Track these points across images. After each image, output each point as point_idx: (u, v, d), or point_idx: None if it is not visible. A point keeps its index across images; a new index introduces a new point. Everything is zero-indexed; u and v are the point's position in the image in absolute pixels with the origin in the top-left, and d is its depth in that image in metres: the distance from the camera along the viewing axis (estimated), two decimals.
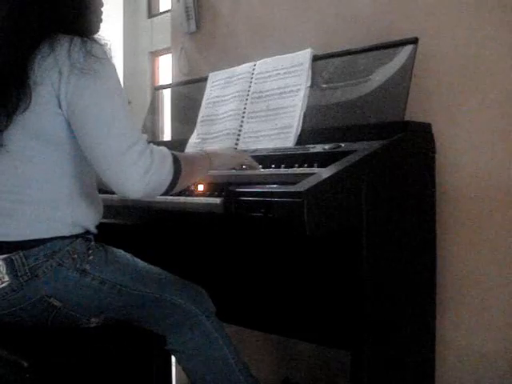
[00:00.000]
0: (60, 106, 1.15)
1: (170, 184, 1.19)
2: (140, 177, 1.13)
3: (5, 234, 1.18)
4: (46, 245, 1.17)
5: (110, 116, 1.14)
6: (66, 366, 1.21)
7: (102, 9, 1.31)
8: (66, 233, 1.20)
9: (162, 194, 1.20)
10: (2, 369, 1.16)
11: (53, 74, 1.13)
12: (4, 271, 1.16)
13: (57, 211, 1.20)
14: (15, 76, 1.14)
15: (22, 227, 1.18)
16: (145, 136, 1.35)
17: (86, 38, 1.17)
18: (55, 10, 1.19)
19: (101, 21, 1.31)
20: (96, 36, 1.23)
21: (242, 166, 1.43)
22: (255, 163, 1.45)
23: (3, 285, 1.16)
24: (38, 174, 1.19)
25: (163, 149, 1.21)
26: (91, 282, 1.21)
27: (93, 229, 1.28)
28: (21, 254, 1.16)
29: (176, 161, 1.20)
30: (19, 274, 1.16)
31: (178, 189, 1.23)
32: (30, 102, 1.13)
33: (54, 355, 1.20)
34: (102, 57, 1.16)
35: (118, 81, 1.21)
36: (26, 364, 1.13)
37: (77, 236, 1.22)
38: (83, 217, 1.25)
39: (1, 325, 1.22)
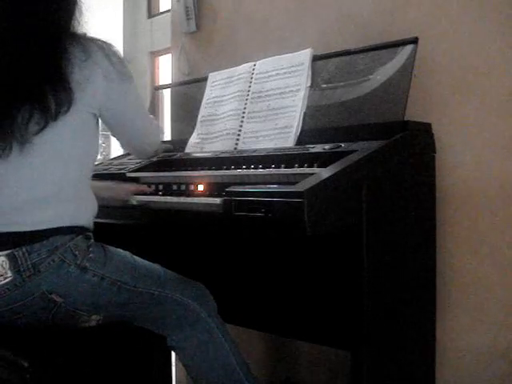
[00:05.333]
0: (97, 106, 1.27)
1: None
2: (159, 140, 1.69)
3: (10, 224, 1.19)
4: (48, 240, 1.18)
5: (142, 107, 1.51)
6: (66, 365, 1.21)
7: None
8: (68, 223, 1.22)
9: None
10: (2, 369, 1.16)
11: (96, 78, 1.23)
12: (7, 267, 1.16)
13: (60, 201, 1.23)
14: (52, 79, 1.19)
15: (27, 218, 1.20)
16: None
17: (106, 41, 1.29)
18: (65, 11, 1.26)
19: None
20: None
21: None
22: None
23: (6, 280, 1.17)
24: (41, 167, 1.22)
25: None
26: (91, 278, 1.22)
27: (91, 223, 1.30)
28: (23, 249, 1.17)
29: None
30: (22, 270, 1.16)
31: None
32: (70, 106, 1.19)
33: (54, 355, 1.20)
34: (125, 59, 1.35)
35: None
36: (25, 364, 1.13)
37: (78, 232, 1.23)
38: (83, 207, 1.28)
39: (1, 324, 1.22)
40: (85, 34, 1.28)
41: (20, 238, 1.18)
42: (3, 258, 1.17)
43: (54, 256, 1.18)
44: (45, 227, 1.19)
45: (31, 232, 1.18)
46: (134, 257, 1.34)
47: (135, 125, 1.46)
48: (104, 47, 1.28)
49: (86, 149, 1.29)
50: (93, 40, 1.27)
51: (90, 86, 1.23)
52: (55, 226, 1.20)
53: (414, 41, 1.45)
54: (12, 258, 1.16)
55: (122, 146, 1.58)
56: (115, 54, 1.29)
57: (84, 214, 1.27)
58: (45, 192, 1.21)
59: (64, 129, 1.21)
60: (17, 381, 1.14)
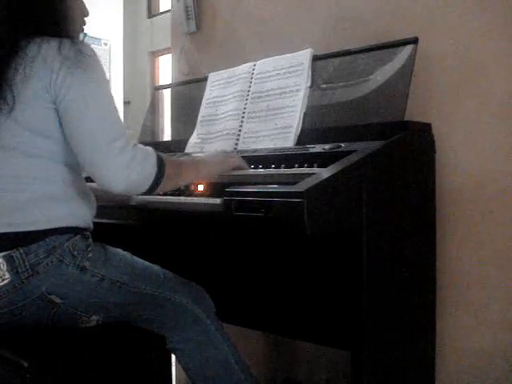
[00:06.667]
0: (51, 101, 1.18)
1: (153, 182, 1.22)
2: (121, 170, 1.17)
3: (4, 225, 1.18)
4: (45, 240, 1.18)
5: (96, 111, 1.19)
6: (66, 365, 1.21)
7: (81, 12, 1.36)
8: (64, 224, 1.21)
9: (145, 193, 1.23)
10: (2, 369, 1.16)
11: (43, 71, 1.17)
12: (4, 268, 1.16)
13: (54, 202, 1.21)
14: None
15: (22, 219, 1.19)
16: (129, 132, 1.41)
17: (75, 40, 1.22)
18: (35, 12, 1.23)
19: (83, 24, 1.38)
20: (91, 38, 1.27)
21: (231, 169, 1.44)
22: (244, 164, 1.46)
23: (4, 282, 1.16)
24: (34, 167, 1.20)
25: (148, 148, 1.24)
26: (91, 278, 1.22)
27: (90, 223, 1.29)
28: (21, 250, 1.16)
29: (160, 161, 1.23)
30: (20, 271, 1.16)
31: (161, 189, 1.26)
32: (13, 100, 1.17)
33: (54, 355, 1.20)
34: (90, 54, 1.21)
35: (106, 78, 1.26)
36: (25, 364, 1.13)
37: (75, 232, 1.23)
38: (79, 208, 1.26)
39: (1, 324, 1.22)
40: (83, 34, 1.28)
41: (16, 238, 1.17)
42: (1, 260, 1.16)
43: (51, 257, 1.17)
44: (40, 228, 1.18)
45: (27, 232, 1.18)
46: (134, 257, 1.33)
47: (85, 124, 1.18)
48: (62, 42, 1.19)
49: (68, 147, 1.22)
50: (61, 39, 1.20)
51: (35, 82, 1.17)
52: (50, 226, 1.19)
53: (414, 41, 1.45)
54: (9, 260, 1.16)
55: (77, 156, 1.24)
56: (71, 48, 1.18)
57: (80, 214, 1.26)
58: (35, 192, 1.20)
59: (24, 127, 1.19)
60: (17, 381, 1.14)
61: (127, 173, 1.17)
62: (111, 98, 1.24)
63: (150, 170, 1.20)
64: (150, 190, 1.23)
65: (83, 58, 1.18)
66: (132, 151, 1.18)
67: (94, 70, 1.21)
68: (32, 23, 1.22)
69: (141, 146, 1.23)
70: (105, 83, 1.24)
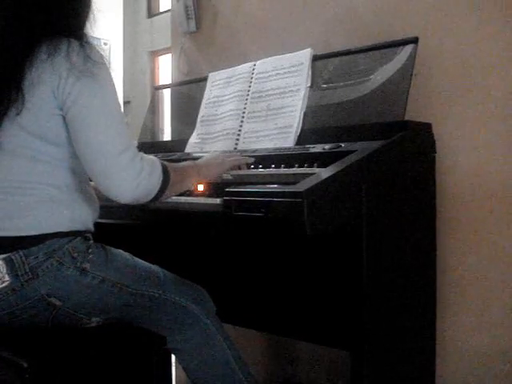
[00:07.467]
0: (58, 107, 1.17)
1: (158, 192, 1.23)
2: (129, 182, 1.17)
3: (6, 229, 1.18)
4: (45, 243, 1.17)
5: (104, 120, 1.18)
6: (66, 366, 1.21)
7: (94, 11, 1.31)
8: (65, 228, 1.21)
9: (150, 201, 1.24)
10: (1, 369, 1.16)
11: (50, 77, 1.15)
12: (4, 271, 1.16)
13: (57, 206, 1.21)
14: (8, 80, 1.16)
15: (23, 223, 1.18)
16: (135, 143, 1.40)
17: (83, 42, 1.19)
18: (48, 12, 1.21)
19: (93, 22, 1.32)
20: (92, 38, 1.25)
21: (231, 169, 1.45)
22: (244, 160, 1.48)
23: (4, 285, 1.16)
24: (38, 171, 1.20)
25: (153, 158, 1.25)
26: (91, 281, 1.21)
27: (91, 226, 1.28)
28: (20, 253, 1.16)
29: (165, 171, 1.24)
30: (19, 274, 1.16)
31: (165, 197, 1.28)
32: (22, 105, 1.15)
33: (54, 355, 1.20)
34: (100, 61, 1.19)
35: (114, 86, 1.24)
36: (25, 364, 1.13)
37: (76, 234, 1.22)
38: (81, 212, 1.25)
39: (1, 325, 1.22)
40: (83, 36, 1.24)
41: (16, 241, 1.17)
42: (0, 262, 1.16)
43: (51, 259, 1.17)
44: (41, 232, 1.18)
45: (28, 236, 1.17)
46: (135, 258, 1.33)
47: (93, 133, 1.16)
48: (69, 46, 1.16)
49: (73, 152, 1.21)
50: (63, 39, 1.18)
51: (42, 87, 1.16)
52: (52, 230, 1.19)
53: (414, 41, 1.45)
54: (9, 262, 1.16)
55: (84, 166, 1.22)
56: (79, 53, 1.16)
57: (82, 218, 1.25)
58: (38, 196, 1.19)
59: (29, 132, 1.18)
60: (16, 381, 1.14)
61: (135, 184, 1.17)
62: (119, 106, 1.23)
63: (157, 181, 1.22)
64: (155, 199, 1.24)
65: (92, 66, 1.16)
66: (140, 163, 1.19)
67: (102, 78, 1.19)
68: (42, 25, 1.19)
69: (146, 155, 1.24)
70: (113, 92, 1.22)
